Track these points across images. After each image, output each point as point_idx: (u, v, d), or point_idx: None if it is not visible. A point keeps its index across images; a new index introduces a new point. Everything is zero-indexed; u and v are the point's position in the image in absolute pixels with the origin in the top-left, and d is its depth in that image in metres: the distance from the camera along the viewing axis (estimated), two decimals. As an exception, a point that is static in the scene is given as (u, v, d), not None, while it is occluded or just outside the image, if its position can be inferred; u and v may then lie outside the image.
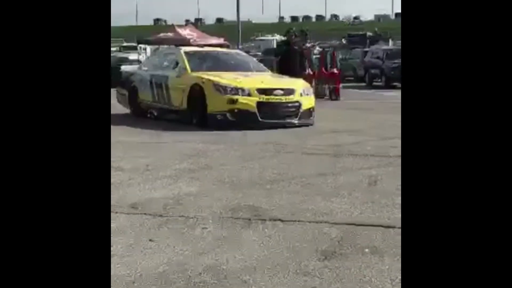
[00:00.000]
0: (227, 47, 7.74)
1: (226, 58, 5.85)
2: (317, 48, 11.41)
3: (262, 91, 4.80)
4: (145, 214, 2.14)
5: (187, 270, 1.55)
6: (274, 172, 2.90)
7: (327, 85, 8.17)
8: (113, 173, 2.72)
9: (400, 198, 2.16)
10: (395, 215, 2.08)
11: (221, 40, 8.10)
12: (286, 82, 5.21)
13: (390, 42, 17.57)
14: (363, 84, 11.50)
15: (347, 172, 2.91)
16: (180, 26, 9.38)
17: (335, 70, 8.30)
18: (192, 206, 2.25)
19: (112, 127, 3.45)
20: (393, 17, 43.25)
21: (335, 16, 50.23)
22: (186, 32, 8.28)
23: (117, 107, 6.04)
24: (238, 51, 7.90)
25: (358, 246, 1.74)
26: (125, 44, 19.23)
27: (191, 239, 1.83)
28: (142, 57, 11.88)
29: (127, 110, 6.04)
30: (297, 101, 4.90)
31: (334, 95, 8.03)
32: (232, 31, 16.01)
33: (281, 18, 50.68)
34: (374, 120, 5.41)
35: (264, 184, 2.62)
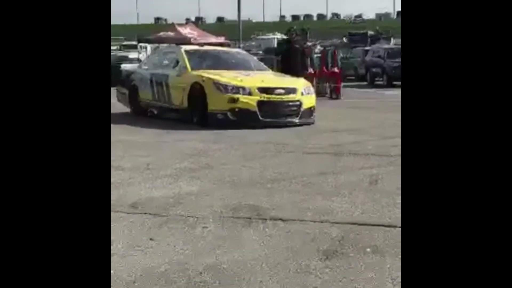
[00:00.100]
0: (228, 46, 7.73)
1: (226, 57, 5.83)
2: (318, 47, 11.37)
3: (263, 90, 4.79)
4: (145, 213, 2.14)
5: (187, 270, 1.55)
6: (275, 171, 2.90)
7: (328, 84, 8.16)
8: (113, 172, 2.72)
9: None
10: (396, 215, 2.07)
11: (221, 39, 8.09)
12: (287, 81, 5.20)
13: (392, 40, 17.53)
14: (364, 83, 11.48)
15: (348, 171, 2.90)
16: (180, 25, 9.38)
17: (336, 69, 8.29)
18: (192, 205, 2.24)
19: (112, 126, 3.46)
20: (394, 15, 43.17)
21: (336, 15, 50.16)
22: (186, 31, 8.27)
23: (117, 106, 6.03)
24: (238, 49, 7.90)
25: (359, 246, 1.74)
26: (125, 42, 19.20)
27: (191, 239, 1.83)
28: (142, 56, 11.87)
29: (127, 109, 6.04)
30: (298, 100, 4.88)
31: (335, 94, 8.01)
32: (233, 30, 15.99)
33: (282, 17, 50.63)
34: (375, 119, 5.40)
35: (265, 184, 2.62)
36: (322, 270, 1.55)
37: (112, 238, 1.77)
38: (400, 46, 11.50)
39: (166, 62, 5.73)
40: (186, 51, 5.54)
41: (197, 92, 4.89)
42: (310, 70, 7.80)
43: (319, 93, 7.18)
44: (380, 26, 25.77)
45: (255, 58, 6.75)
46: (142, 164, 3.08)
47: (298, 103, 4.88)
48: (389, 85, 10.36)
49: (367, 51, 12.54)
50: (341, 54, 11.74)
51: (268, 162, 3.17)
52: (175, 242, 1.80)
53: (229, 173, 2.84)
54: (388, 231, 1.88)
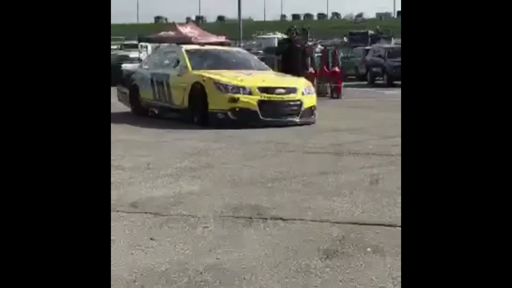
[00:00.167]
0: (228, 45, 7.72)
1: (227, 56, 5.83)
2: (319, 46, 11.35)
3: (264, 90, 4.79)
4: (146, 213, 2.14)
5: (188, 269, 1.55)
6: (275, 171, 2.89)
7: (329, 84, 8.15)
8: (113, 171, 2.72)
9: (402, 197, 2.16)
10: (397, 214, 2.07)
11: (222, 38, 8.09)
12: (287, 80, 5.20)
13: (392, 40, 17.51)
14: (365, 82, 11.48)
15: (349, 171, 2.90)
16: (181, 24, 9.38)
17: (336, 69, 8.28)
18: (193, 205, 2.24)
19: (112, 125, 3.46)
20: (394, 15, 43.13)
21: (336, 14, 50.13)
22: (187, 30, 8.27)
23: (118, 105, 6.03)
24: (239, 49, 7.88)
25: (360, 245, 1.74)
26: (126, 42, 19.21)
27: (192, 238, 1.83)
28: (143, 55, 11.88)
29: (128, 109, 6.04)
30: (298, 100, 4.88)
31: (336, 93, 8.01)
32: (234, 29, 15.99)
33: (283, 16, 50.62)
34: (376, 118, 5.40)
35: (266, 183, 2.61)
36: (322, 269, 1.54)
37: (112, 237, 1.77)
38: (400, 46, 11.51)
39: (166, 61, 5.73)
40: (187, 51, 5.53)
41: (198, 91, 4.89)
42: (311, 69, 7.79)
43: (320, 93, 7.18)
44: (380, 25, 25.73)
45: (255, 57, 6.73)
46: (142, 164, 3.08)
47: (298, 102, 4.87)
48: (390, 84, 10.35)
49: (367, 50, 12.53)
50: (342, 54, 11.74)
51: (268, 162, 3.17)
52: (176, 241, 1.79)
53: (229, 173, 2.84)
54: (388, 231, 1.88)
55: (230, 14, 40.30)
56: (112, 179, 2.43)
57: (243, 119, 4.64)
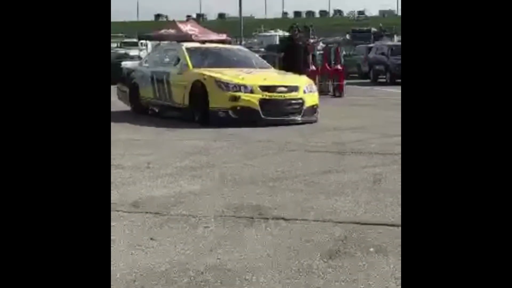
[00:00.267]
0: (229, 43, 7.69)
1: (228, 54, 5.81)
2: (321, 44, 11.30)
3: (265, 88, 4.77)
4: (146, 212, 2.12)
5: (188, 269, 1.54)
6: (277, 170, 2.88)
7: (331, 82, 8.11)
8: (113, 171, 2.71)
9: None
10: (400, 214, 2.06)
11: (223, 36, 8.05)
12: (289, 79, 5.18)
13: (395, 37, 17.43)
14: (368, 80, 11.43)
15: (351, 170, 2.88)
16: (181, 21, 9.34)
17: (339, 67, 8.24)
18: (194, 204, 2.23)
19: (112, 124, 3.44)
20: (397, 12, 42.95)
21: (338, 12, 49.94)
22: (187, 28, 8.23)
23: (118, 104, 6.03)
24: (240, 47, 7.84)
25: (363, 245, 1.72)
26: (125, 40, 19.21)
27: (193, 238, 1.82)
28: (143, 53, 11.86)
29: (128, 107, 6.03)
30: (300, 98, 4.86)
31: (338, 91, 7.98)
32: (235, 27, 15.96)
33: (285, 13, 50.48)
34: (379, 117, 5.37)
35: (267, 182, 2.60)
36: (324, 270, 1.53)
37: (112, 237, 1.76)
38: (403, 43, 11.37)
39: (167, 59, 5.72)
40: (187, 49, 5.52)
41: (199, 90, 4.87)
42: (312, 67, 7.75)
43: (322, 91, 7.15)
44: (383, 23, 25.65)
45: (257, 55, 6.72)
46: (142, 163, 3.06)
47: (300, 101, 4.85)
48: (393, 82, 10.30)
49: (370, 48, 12.46)
50: (344, 52, 11.67)
51: (270, 161, 3.15)
52: (176, 241, 1.78)
53: (231, 172, 2.82)
54: (391, 231, 1.87)
55: (231, 11, 40.32)
56: (112, 179, 2.42)
57: (244, 117, 4.62)
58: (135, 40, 16.01)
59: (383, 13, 45.10)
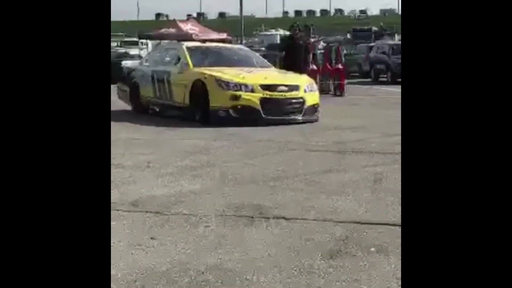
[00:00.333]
0: (230, 42, 7.67)
1: (228, 53, 5.80)
2: (322, 43, 11.29)
3: (266, 87, 4.76)
4: (146, 212, 2.12)
5: (189, 269, 1.53)
6: (277, 169, 2.87)
7: (332, 81, 8.09)
8: (114, 170, 2.71)
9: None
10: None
11: (224, 35, 8.04)
12: (290, 78, 5.17)
13: (396, 37, 17.39)
14: (369, 79, 11.41)
15: (352, 169, 2.87)
16: (182, 20, 9.33)
17: (340, 66, 8.22)
18: (194, 204, 2.22)
19: (113, 123, 3.42)
20: (398, 11, 42.87)
21: (339, 11, 49.87)
22: (188, 27, 8.22)
23: (118, 103, 6.02)
24: (241, 46, 7.84)
25: (363, 245, 1.72)
26: (126, 39, 19.20)
27: (193, 238, 1.81)
28: (143, 52, 11.85)
29: (128, 107, 6.02)
30: (301, 98, 4.85)
31: (339, 91, 7.96)
32: (235, 26, 15.94)
33: (285, 12, 50.41)
34: (379, 116, 5.36)
35: (268, 182, 2.59)
36: (325, 269, 1.53)
37: (113, 237, 1.75)
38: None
39: (167, 58, 5.71)
40: (188, 48, 5.51)
41: (199, 89, 4.87)
42: (313, 66, 7.74)
43: (323, 90, 7.14)
44: (384, 22, 25.56)
45: (257, 54, 6.70)
46: (143, 162, 3.06)
47: (301, 100, 4.85)
48: (393, 82, 10.28)
49: (371, 47, 12.43)
50: (345, 51, 11.63)
51: (270, 160, 3.14)
52: (177, 241, 1.78)
53: (231, 171, 2.82)
54: (392, 230, 1.86)
55: (232, 10, 40.27)
56: (112, 178, 2.41)
57: (245, 117, 4.61)
58: (135, 39, 16.00)
59: (384, 12, 45.02)
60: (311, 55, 7.72)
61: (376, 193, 2.37)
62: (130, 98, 5.99)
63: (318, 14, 48.25)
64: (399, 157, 3.12)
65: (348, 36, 19.38)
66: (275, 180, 2.63)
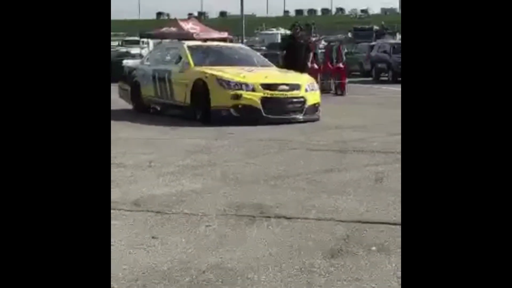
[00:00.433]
0: (230, 41, 7.67)
1: (229, 52, 5.79)
2: (323, 42, 11.26)
3: (267, 86, 4.76)
4: (148, 211, 2.12)
5: (190, 268, 1.53)
6: (278, 168, 2.87)
7: (333, 80, 8.08)
8: (115, 169, 2.71)
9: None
10: (403, 213, 2.04)
11: (225, 34, 8.03)
12: (291, 77, 5.16)
13: (397, 36, 17.35)
14: (370, 79, 11.38)
15: (353, 168, 2.87)
16: (183, 20, 9.33)
17: (341, 65, 8.20)
18: (195, 203, 2.22)
19: (114, 122, 3.42)
20: (399, 10, 42.72)
21: (340, 10, 49.78)
22: (189, 26, 8.22)
23: (119, 102, 6.02)
24: (241, 45, 7.84)
25: (365, 244, 1.72)
26: (127, 38, 19.21)
27: (194, 237, 1.81)
28: (144, 52, 11.85)
29: (129, 106, 6.02)
30: (302, 97, 4.85)
31: (340, 90, 7.95)
32: (236, 25, 15.91)
33: (286, 12, 50.34)
34: (381, 115, 5.35)
35: (269, 181, 2.59)
36: (326, 268, 1.53)
37: (114, 236, 1.76)
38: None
39: (168, 58, 5.71)
40: (189, 47, 5.51)
41: (200, 88, 4.86)
42: (313, 65, 7.73)
43: (324, 89, 7.13)
44: (385, 20, 25.51)
45: (258, 53, 6.70)
46: (144, 162, 3.06)
47: (302, 99, 4.84)
48: (395, 81, 10.25)
49: (372, 46, 12.42)
50: (346, 50, 11.63)
51: (272, 159, 3.14)
52: (178, 240, 1.78)
53: (232, 171, 2.82)
54: (393, 229, 1.86)
55: (233, 10, 40.21)
56: (113, 177, 2.42)
57: (246, 116, 4.61)
58: (136, 38, 16.01)
59: (385, 11, 44.92)
60: (312, 54, 7.71)
61: (377, 192, 2.37)
62: (131, 97, 5.99)
63: (319, 13, 48.19)
64: (400, 156, 3.13)
65: (349, 35, 19.35)
66: (276, 179, 2.63)
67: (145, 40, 13.87)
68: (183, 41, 6.00)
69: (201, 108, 4.82)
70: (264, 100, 4.67)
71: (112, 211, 2.01)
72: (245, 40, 13.42)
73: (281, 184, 2.54)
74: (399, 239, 1.74)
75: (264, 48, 14.18)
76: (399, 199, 2.25)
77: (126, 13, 44.74)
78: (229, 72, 4.89)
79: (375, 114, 5.57)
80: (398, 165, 2.88)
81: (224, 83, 4.73)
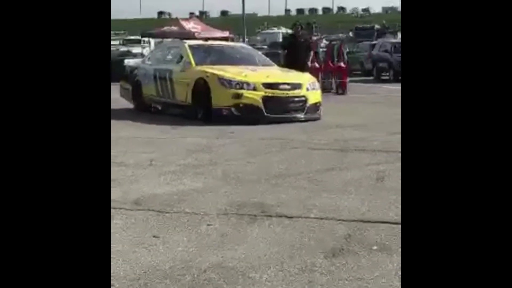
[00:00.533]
0: (231, 40, 7.67)
1: (231, 51, 5.80)
2: (324, 41, 11.24)
3: (268, 86, 4.76)
4: (149, 210, 2.12)
5: (192, 267, 1.53)
6: (280, 167, 2.87)
7: (334, 79, 8.07)
8: (116, 168, 2.71)
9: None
10: (404, 212, 2.04)
11: (226, 33, 8.02)
12: (292, 76, 5.15)
13: (398, 35, 17.31)
14: (371, 78, 11.36)
15: (354, 167, 2.87)
16: (184, 19, 9.33)
17: (342, 64, 8.19)
18: (197, 202, 2.23)
19: (115, 122, 3.41)
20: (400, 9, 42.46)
21: (342, 9, 49.71)
22: (190, 25, 8.21)
23: (121, 101, 6.03)
24: (243, 44, 7.83)
25: (366, 243, 1.71)
26: (128, 37, 19.23)
27: (196, 236, 1.81)
28: (145, 51, 11.86)
29: (130, 105, 6.03)
30: (303, 96, 4.85)
31: (341, 89, 7.93)
32: (237, 24, 15.90)
33: (287, 11, 50.29)
34: (382, 114, 5.34)
35: (270, 180, 2.59)
36: (328, 268, 1.53)
37: (115, 235, 1.76)
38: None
39: (170, 57, 5.71)
40: (190, 46, 5.51)
41: (202, 87, 4.86)
42: (315, 64, 7.72)
43: (325, 89, 7.12)
44: (386, 19, 25.44)
45: (260, 52, 6.69)
46: (145, 161, 3.06)
47: (303, 98, 4.84)
48: (396, 80, 10.23)
49: (373, 45, 12.39)
50: (347, 49, 11.59)
51: (273, 158, 3.14)
52: (179, 239, 1.78)
53: (233, 170, 2.82)
54: (394, 229, 1.85)
55: (234, 9, 40.18)
56: (114, 176, 2.43)
57: (247, 115, 4.61)
58: (138, 37, 16.01)
59: (386, 10, 44.82)
60: (312, 53, 7.70)
61: (379, 191, 2.36)
62: (133, 97, 5.99)
63: (320, 12, 48.10)
64: (401, 155, 3.11)
65: (351, 34, 19.33)
66: (278, 178, 2.63)
67: (146, 39, 13.87)
68: (185, 40, 6.03)
69: (203, 107, 4.83)
70: (265, 99, 4.67)
71: (113, 210, 2.02)
72: (246, 39, 13.40)
73: (282, 183, 2.53)
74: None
75: (265, 47, 14.15)
76: (400, 198, 2.26)
77: (127, 12, 44.79)
78: (230, 71, 4.89)
79: (376, 113, 5.56)
80: (399, 164, 2.86)
81: (226, 82, 4.73)
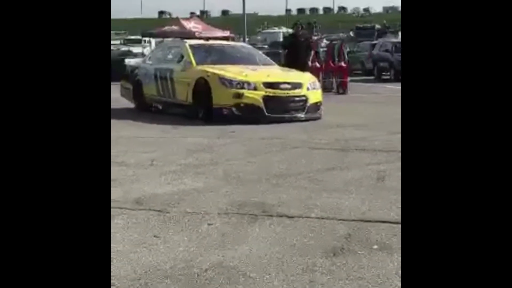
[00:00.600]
0: (232, 39, 7.67)
1: (231, 51, 5.79)
2: (324, 40, 11.23)
3: (269, 85, 4.76)
4: (150, 210, 2.13)
5: (192, 267, 1.53)
6: (280, 167, 2.87)
7: (335, 79, 8.07)
8: (117, 168, 2.71)
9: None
10: (405, 212, 2.04)
11: (227, 33, 8.03)
12: (293, 76, 5.15)
13: (399, 34, 17.29)
14: (372, 77, 11.36)
15: (355, 167, 2.87)
16: (185, 18, 9.33)
17: (342, 64, 8.18)
18: (197, 202, 2.23)
19: (116, 121, 3.42)
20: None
21: (342, 8, 49.69)
22: (191, 25, 8.22)
23: (122, 101, 6.03)
24: (243, 44, 7.84)
25: (366, 243, 1.72)
26: (129, 37, 19.24)
27: (196, 236, 1.82)
28: (146, 51, 11.87)
29: (131, 105, 6.03)
30: (304, 95, 4.85)
31: (342, 88, 7.93)
32: (238, 24, 15.89)
33: (288, 10, 50.25)
34: (382, 114, 5.33)
35: (271, 180, 2.59)
36: (328, 267, 1.53)
37: (116, 235, 1.77)
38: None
39: (170, 56, 5.71)
40: (191, 46, 5.51)
41: (202, 87, 4.86)
42: (316, 64, 7.71)
43: (326, 88, 7.12)
44: (387, 19, 25.42)
45: (260, 52, 6.68)
46: (146, 160, 3.07)
47: (304, 98, 4.84)
48: (396, 79, 10.20)
49: (374, 45, 12.37)
50: (348, 48, 11.57)
51: (274, 158, 3.14)
52: (180, 239, 1.78)
53: (234, 169, 2.82)
54: (395, 228, 1.85)
55: (235, 8, 40.15)
56: (115, 176, 2.43)
57: (248, 114, 4.61)
58: (138, 37, 16.02)
59: (387, 9, 44.79)
60: (313, 53, 7.69)
61: (379, 191, 2.36)
62: (133, 96, 5.99)
63: (321, 12, 48.10)
64: (402, 155, 3.11)
65: (351, 34, 19.31)
66: (278, 178, 2.63)
67: (147, 39, 13.87)
68: (185, 40, 6.03)
69: (203, 106, 4.83)
70: (266, 98, 4.67)
71: (114, 210, 2.02)
72: (247, 39, 13.39)
73: (283, 182, 2.53)
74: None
75: (266, 46, 14.15)
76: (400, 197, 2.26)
77: (128, 12, 44.79)
78: (231, 71, 4.89)
79: (376, 112, 5.56)
80: (400, 164, 2.87)
81: (226, 82, 4.73)
